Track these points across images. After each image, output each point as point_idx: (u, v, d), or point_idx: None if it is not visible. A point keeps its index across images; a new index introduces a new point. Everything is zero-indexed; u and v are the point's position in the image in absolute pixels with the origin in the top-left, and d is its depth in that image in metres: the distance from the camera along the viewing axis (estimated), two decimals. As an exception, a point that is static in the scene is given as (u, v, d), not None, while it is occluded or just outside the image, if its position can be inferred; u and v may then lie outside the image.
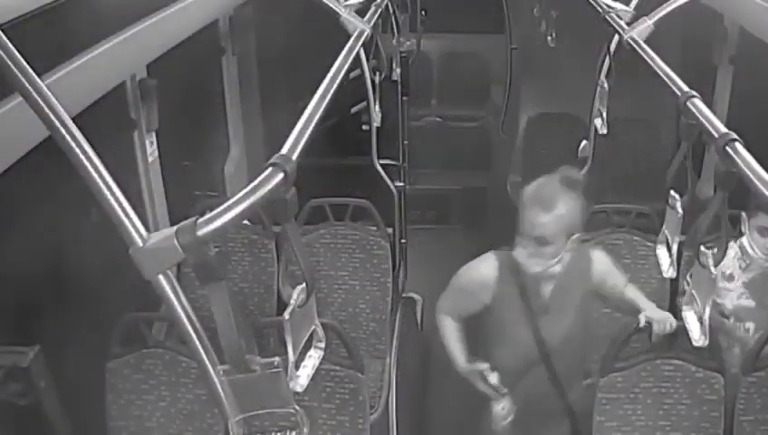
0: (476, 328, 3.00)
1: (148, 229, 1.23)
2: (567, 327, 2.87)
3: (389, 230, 4.01)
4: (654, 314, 2.86)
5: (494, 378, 2.81)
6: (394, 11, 4.12)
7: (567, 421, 3.02)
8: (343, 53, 2.21)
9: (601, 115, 3.31)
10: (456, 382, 3.03)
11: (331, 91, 1.81)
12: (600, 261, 2.94)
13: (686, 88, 1.91)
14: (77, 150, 1.31)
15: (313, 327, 1.44)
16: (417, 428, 4.21)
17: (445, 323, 3.04)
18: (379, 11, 3.14)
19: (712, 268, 1.66)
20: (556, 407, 2.97)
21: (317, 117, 1.60)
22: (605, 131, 3.36)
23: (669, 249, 2.10)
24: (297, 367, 1.40)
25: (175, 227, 1.16)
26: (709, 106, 1.79)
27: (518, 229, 2.69)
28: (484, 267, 2.92)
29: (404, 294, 4.62)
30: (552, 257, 2.67)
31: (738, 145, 1.53)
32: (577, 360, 2.99)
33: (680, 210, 2.01)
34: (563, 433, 3.06)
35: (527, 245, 2.68)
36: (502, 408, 2.87)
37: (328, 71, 1.95)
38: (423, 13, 5.29)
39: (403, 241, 4.62)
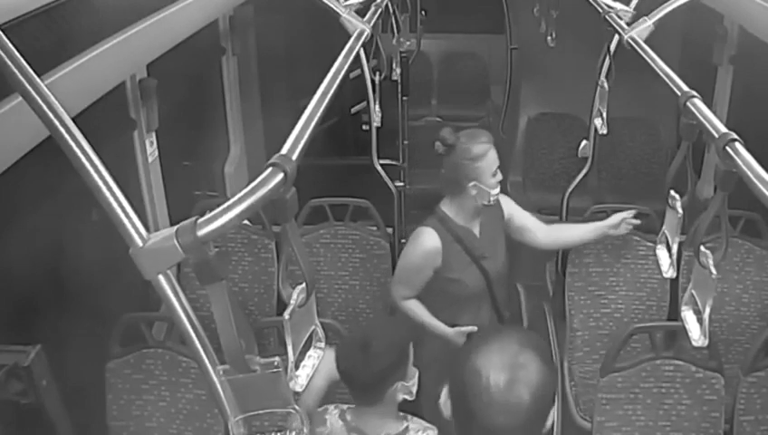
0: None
1: (148, 229, 1.23)
2: (501, 263, 3.37)
3: (389, 230, 4.01)
4: (607, 223, 3.43)
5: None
6: (394, 11, 4.11)
7: None
8: (343, 53, 2.20)
9: (601, 115, 3.31)
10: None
11: (331, 92, 1.81)
12: (505, 200, 3.43)
13: (686, 88, 1.91)
14: (77, 150, 1.31)
15: (313, 327, 1.44)
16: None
17: (411, 306, 3.30)
18: (379, 11, 3.14)
19: (712, 268, 1.66)
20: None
21: (317, 117, 1.60)
22: (605, 131, 3.36)
23: (669, 249, 2.11)
24: (297, 367, 1.40)
25: (175, 227, 1.17)
26: (709, 106, 1.79)
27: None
28: (427, 239, 3.23)
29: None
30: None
31: (738, 145, 1.53)
32: (509, 289, 3.67)
33: (680, 210, 2.01)
34: None
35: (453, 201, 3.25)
36: None
37: (328, 71, 1.95)
38: (423, 13, 5.28)
39: (403, 241, 4.62)
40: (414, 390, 2.55)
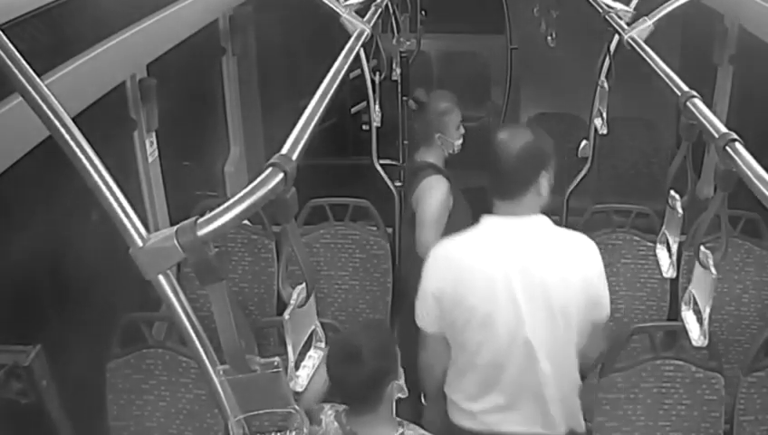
0: None
1: (148, 229, 1.23)
2: None
3: (389, 230, 4.01)
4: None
5: None
6: (394, 11, 4.11)
7: None
8: (343, 52, 2.20)
9: (601, 115, 3.31)
10: None
11: (331, 92, 1.81)
12: None
13: (686, 88, 1.91)
14: (77, 150, 1.31)
15: (313, 327, 1.44)
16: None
17: None
18: (379, 11, 3.14)
19: (712, 268, 1.66)
20: None
21: (317, 117, 1.60)
22: (605, 131, 3.36)
23: (669, 249, 2.10)
24: (297, 367, 1.39)
25: (175, 227, 1.16)
26: (709, 106, 1.79)
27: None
28: (442, 185, 3.65)
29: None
30: None
31: (738, 145, 1.52)
32: None
33: (680, 210, 2.01)
34: None
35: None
36: None
37: (328, 71, 1.94)
38: (423, 13, 5.28)
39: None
40: (404, 387, 2.56)
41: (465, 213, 3.70)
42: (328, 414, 2.58)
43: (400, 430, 2.55)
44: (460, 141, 3.85)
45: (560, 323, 2.57)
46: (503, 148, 2.68)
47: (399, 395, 2.54)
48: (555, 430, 2.71)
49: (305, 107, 1.62)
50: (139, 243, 1.21)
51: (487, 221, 2.70)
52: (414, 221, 3.70)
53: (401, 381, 2.54)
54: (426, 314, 2.70)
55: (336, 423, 2.55)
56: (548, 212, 4.18)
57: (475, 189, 3.97)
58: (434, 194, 3.67)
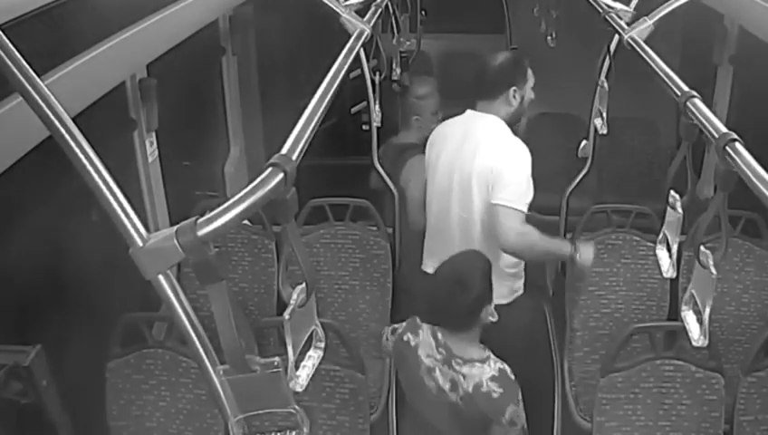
0: None
1: (148, 229, 1.23)
2: None
3: (389, 230, 4.01)
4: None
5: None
6: (394, 11, 4.11)
7: None
8: (343, 52, 2.20)
9: (601, 115, 3.31)
10: None
11: (331, 92, 1.80)
12: None
13: (686, 88, 1.91)
14: (77, 150, 1.30)
15: (313, 327, 1.44)
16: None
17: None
18: (379, 11, 3.14)
19: (712, 268, 1.66)
20: None
21: (317, 117, 1.60)
22: (605, 131, 3.36)
23: (669, 249, 2.10)
24: (297, 367, 1.39)
25: (175, 227, 1.16)
26: (709, 106, 1.79)
27: None
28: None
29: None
30: None
31: (738, 145, 1.52)
32: None
33: (680, 210, 2.01)
34: None
35: None
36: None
37: (328, 71, 1.94)
38: (423, 13, 5.28)
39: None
40: (494, 312, 2.89)
41: None
42: (425, 328, 2.94)
43: (487, 353, 2.87)
44: (435, 126, 4.04)
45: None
46: (486, 60, 3.65)
47: (491, 319, 2.87)
48: None
49: (305, 107, 1.62)
50: (139, 243, 1.20)
51: (466, 113, 3.57)
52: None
53: (492, 307, 2.87)
54: None
55: (431, 338, 2.90)
56: (548, 212, 4.18)
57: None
58: (421, 172, 3.85)
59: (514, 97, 3.49)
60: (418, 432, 3.14)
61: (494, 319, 2.89)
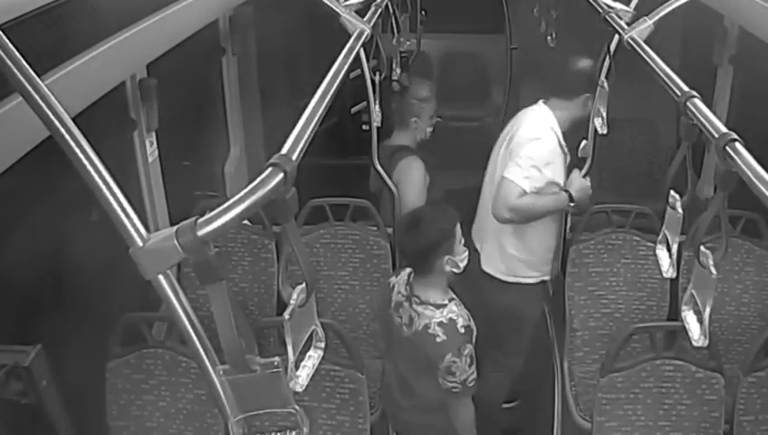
0: None
1: (148, 229, 1.23)
2: None
3: (389, 230, 4.01)
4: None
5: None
6: (394, 11, 4.11)
7: None
8: (343, 52, 2.20)
9: (601, 115, 3.31)
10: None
11: (331, 92, 1.80)
12: None
13: (686, 88, 1.91)
14: (77, 150, 1.30)
15: (313, 327, 1.44)
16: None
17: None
18: (379, 11, 3.14)
19: (712, 268, 1.66)
20: None
21: (317, 117, 1.60)
22: (605, 131, 3.36)
23: (669, 249, 2.10)
24: (297, 367, 1.39)
25: (175, 227, 1.16)
26: (709, 106, 1.79)
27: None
28: (421, 165, 4.10)
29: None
30: None
31: (738, 145, 1.52)
32: None
33: (680, 210, 2.01)
34: None
35: None
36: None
37: (328, 71, 1.94)
38: (423, 13, 5.28)
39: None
40: (462, 265, 3.08)
41: (439, 188, 4.24)
42: (404, 273, 3.20)
43: (447, 299, 3.04)
44: (431, 130, 4.30)
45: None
46: (563, 60, 3.86)
47: (453, 270, 3.05)
48: None
49: (305, 107, 1.62)
50: (139, 243, 1.20)
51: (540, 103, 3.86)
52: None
53: (457, 258, 3.05)
54: None
55: (405, 279, 3.17)
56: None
57: (473, 189, 3.98)
58: (413, 173, 4.08)
59: (589, 102, 3.71)
60: (392, 370, 3.35)
61: (457, 271, 3.07)
